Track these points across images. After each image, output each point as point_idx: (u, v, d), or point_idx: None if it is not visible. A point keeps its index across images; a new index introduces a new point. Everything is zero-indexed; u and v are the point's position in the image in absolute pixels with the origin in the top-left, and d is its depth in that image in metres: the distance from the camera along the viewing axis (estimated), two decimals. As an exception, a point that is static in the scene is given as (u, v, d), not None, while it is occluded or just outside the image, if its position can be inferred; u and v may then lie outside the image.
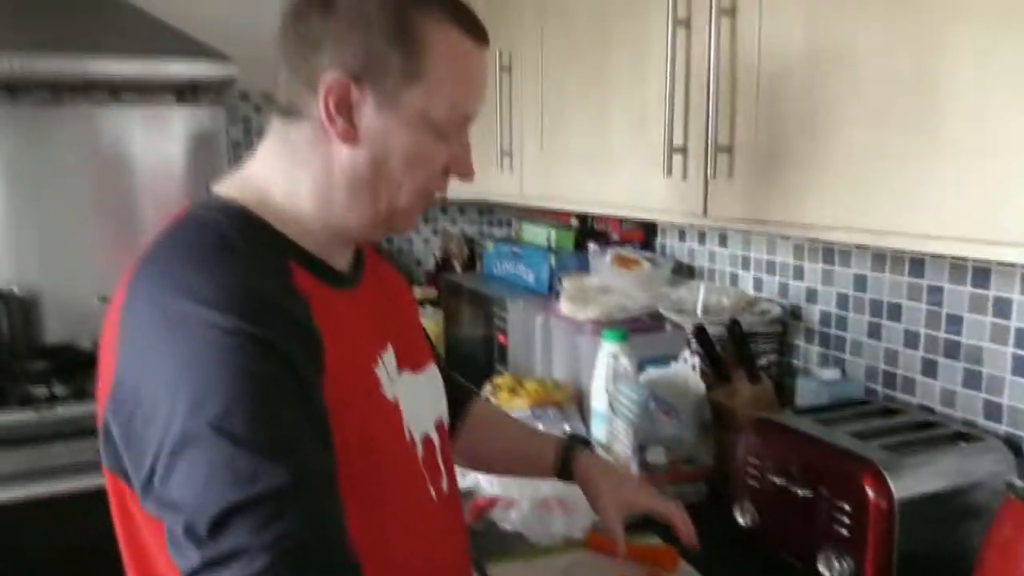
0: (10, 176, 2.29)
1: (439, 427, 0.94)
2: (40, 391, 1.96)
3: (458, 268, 2.61)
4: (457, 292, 2.18)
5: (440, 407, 0.97)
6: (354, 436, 0.75)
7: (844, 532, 1.07)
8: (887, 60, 0.91)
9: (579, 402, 1.73)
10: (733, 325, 1.43)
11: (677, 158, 1.23)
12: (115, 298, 0.74)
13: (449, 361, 2.34)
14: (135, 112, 2.40)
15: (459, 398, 1.16)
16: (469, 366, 2.04)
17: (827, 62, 0.99)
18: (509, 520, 1.33)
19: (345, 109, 0.78)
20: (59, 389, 1.97)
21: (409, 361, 0.89)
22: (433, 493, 0.89)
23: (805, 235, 1.07)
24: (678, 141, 1.23)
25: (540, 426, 1.62)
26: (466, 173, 0.87)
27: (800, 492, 1.13)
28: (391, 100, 0.78)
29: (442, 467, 0.93)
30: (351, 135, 0.79)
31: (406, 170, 0.81)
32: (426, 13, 0.78)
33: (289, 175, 0.82)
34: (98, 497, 0.83)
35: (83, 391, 1.97)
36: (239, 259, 0.73)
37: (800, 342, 1.59)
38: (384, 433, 0.82)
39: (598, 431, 1.62)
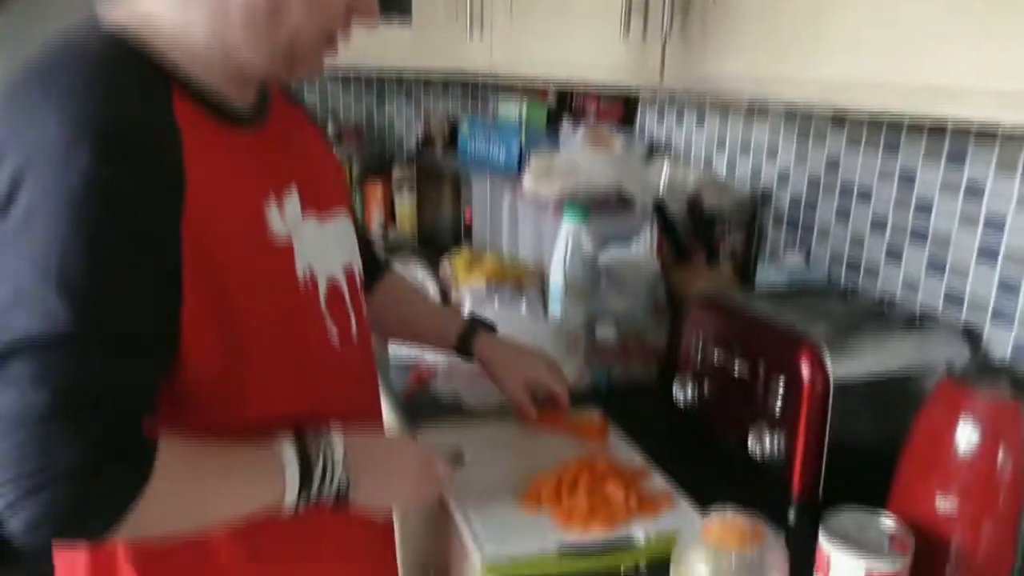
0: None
1: (348, 274, 0.92)
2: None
3: (439, 148, 2.53)
4: (430, 172, 2.11)
5: (350, 256, 0.94)
6: (228, 271, 0.73)
7: (777, 411, 1.03)
8: None
9: (542, 282, 1.69)
10: (693, 202, 1.36)
11: (636, 17, 1.14)
12: None
13: (419, 242, 2.29)
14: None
15: (373, 268, 1.15)
16: (438, 247, 2.00)
17: None
18: (447, 387, 1.30)
19: None
20: None
21: (314, 206, 0.86)
22: (335, 338, 0.87)
23: (759, 91, 0.99)
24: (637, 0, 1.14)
25: (496, 303, 1.58)
26: (369, 15, 0.82)
27: (738, 370, 1.09)
28: None
29: (351, 314, 0.91)
30: None
31: (306, 8, 0.76)
32: None
33: (183, 2, 0.76)
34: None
35: None
36: (117, 83, 0.69)
37: (769, 228, 1.53)
38: (268, 271, 0.78)
39: (555, 310, 1.58)
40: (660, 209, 1.40)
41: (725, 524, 0.83)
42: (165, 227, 0.68)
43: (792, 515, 1.03)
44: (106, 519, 0.66)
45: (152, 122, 0.69)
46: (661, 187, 1.52)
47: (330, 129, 2.47)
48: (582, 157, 1.70)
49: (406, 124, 2.75)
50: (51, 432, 0.63)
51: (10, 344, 0.63)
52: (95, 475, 0.64)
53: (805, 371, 1.00)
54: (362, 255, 1.09)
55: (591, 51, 1.31)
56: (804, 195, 1.43)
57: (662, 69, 1.14)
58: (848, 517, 0.84)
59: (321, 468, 0.80)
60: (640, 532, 0.96)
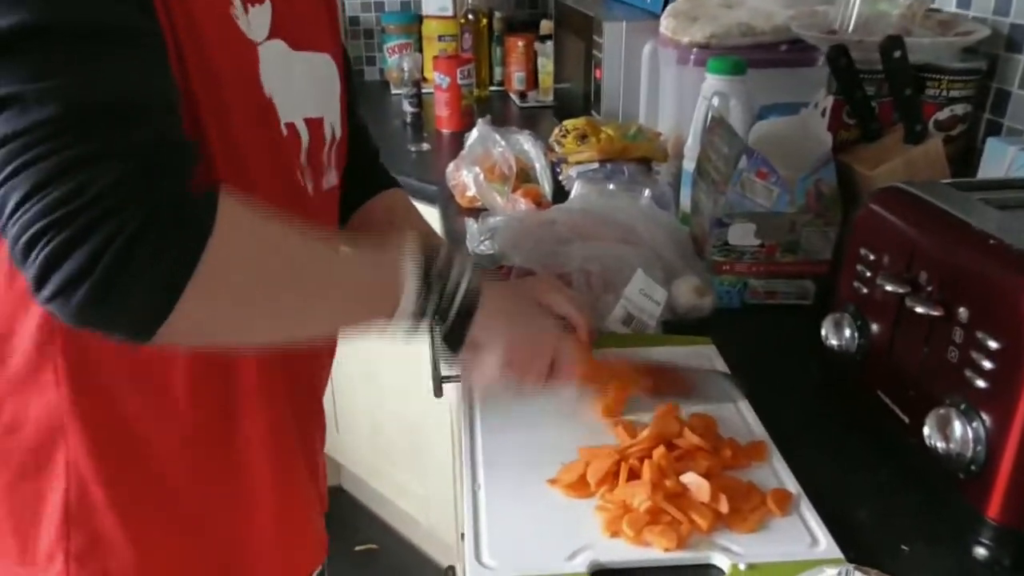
0: None
1: (314, 126, 0.73)
2: None
3: (594, -4, 2.11)
4: (566, 20, 1.72)
5: (325, 106, 0.75)
6: (195, 46, 0.57)
7: (981, 383, 0.63)
8: None
9: (679, 163, 1.30)
10: (891, 45, 0.91)
11: None
12: None
13: (556, 109, 1.93)
14: None
15: (374, 180, 0.93)
16: (568, 113, 1.64)
17: None
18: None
19: None
20: None
21: (288, 33, 0.68)
22: (303, 180, 0.71)
23: None
24: None
25: (610, 188, 1.22)
26: None
27: (924, 310, 0.69)
28: None
29: (306, 169, 0.73)
30: None
31: None
32: None
33: None
34: None
35: None
36: None
37: (1013, 87, 1.03)
38: (234, 65, 0.61)
39: (685, 199, 1.20)
40: (839, 57, 0.96)
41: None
42: None
43: (982, 549, 0.65)
44: (166, 276, 0.49)
45: None
46: (850, 25, 1.06)
47: (468, -29, 2.12)
48: (746, -10, 1.25)
49: (562, -32, 2.34)
50: (75, 154, 0.47)
51: None
52: (140, 199, 0.48)
53: (1040, 326, 0.59)
54: (368, 162, 0.93)
55: None
56: (1079, 36, 0.93)
57: None
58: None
59: (446, 252, 0.65)
60: (724, 557, 0.63)
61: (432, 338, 0.74)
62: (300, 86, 0.70)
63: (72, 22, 0.49)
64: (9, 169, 0.46)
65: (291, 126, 0.69)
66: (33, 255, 0.46)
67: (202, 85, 0.58)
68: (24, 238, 0.46)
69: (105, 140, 0.48)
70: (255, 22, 0.65)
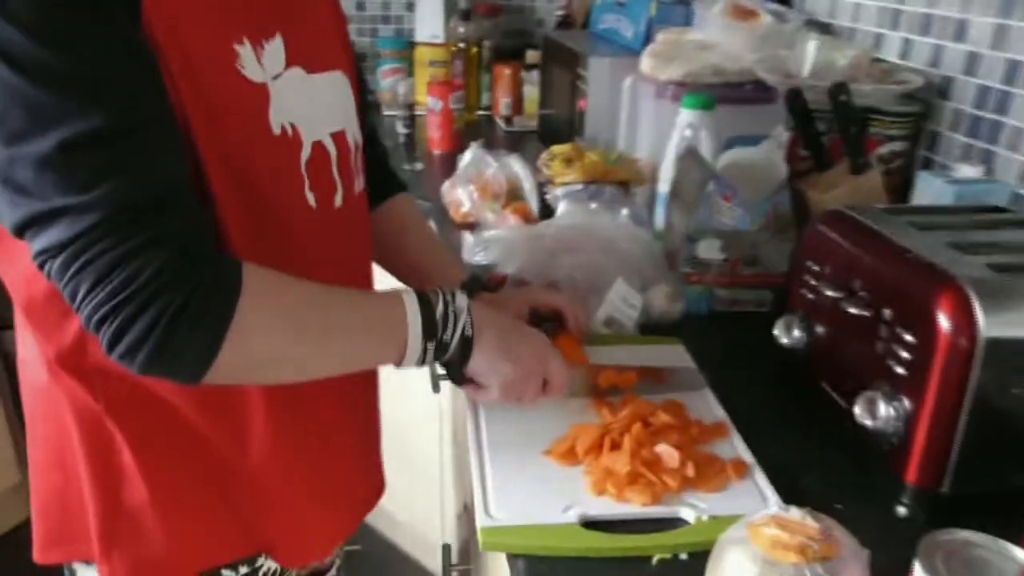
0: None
1: (339, 139, 0.83)
2: None
3: (577, 29, 2.27)
4: (553, 53, 1.87)
5: (345, 119, 0.85)
6: (188, 98, 0.65)
7: (900, 370, 0.78)
8: None
9: (654, 186, 1.44)
10: (837, 90, 1.06)
11: None
12: None
13: (541, 135, 2.07)
14: None
15: (384, 184, 1.03)
16: (551, 138, 1.78)
17: None
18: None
19: None
20: None
21: (304, 59, 0.77)
22: (313, 201, 0.79)
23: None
24: None
25: (593, 206, 1.36)
26: None
27: (855, 311, 0.83)
28: None
29: (337, 181, 0.82)
30: None
31: None
32: None
33: None
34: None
35: None
36: None
37: (943, 129, 1.19)
38: (235, 111, 0.70)
39: (659, 218, 1.34)
40: (795, 98, 1.11)
41: (782, 526, 0.61)
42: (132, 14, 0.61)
43: (902, 508, 0.78)
44: (207, 334, 0.63)
45: None
46: (805, 71, 1.21)
47: (461, 2, 2.27)
48: (720, 35, 1.40)
49: (547, 0, 2.50)
50: (119, 242, 0.59)
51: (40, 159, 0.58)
52: (181, 280, 0.61)
53: (943, 322, 0.73)
54: (376, 166, 1.01)
55: None
56: (996, 87, 1.09)
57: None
58: (963, 541, 0.60)
59: (443, 307, 0.76)
60: (690, 511, 0.76)
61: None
62: (321, 106, 0.80)
63: (116, 128, 0.59)
64: (75, 267, 0.59)
65: (319, 144, 0.79)
66: (104, 329, 0.60)
67: (209, 142, 0.67)
68: (95, 317, 0.60)
69: (143, 234, 0.60)
70: (269, 58, 0.73)
